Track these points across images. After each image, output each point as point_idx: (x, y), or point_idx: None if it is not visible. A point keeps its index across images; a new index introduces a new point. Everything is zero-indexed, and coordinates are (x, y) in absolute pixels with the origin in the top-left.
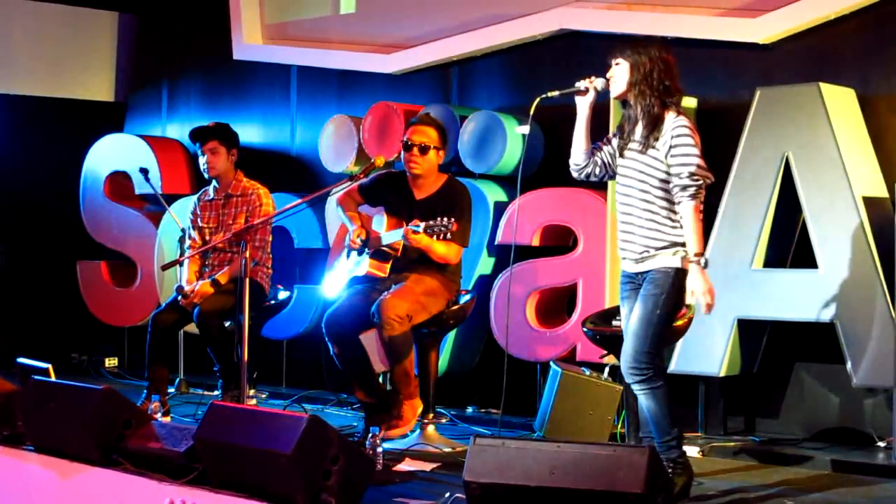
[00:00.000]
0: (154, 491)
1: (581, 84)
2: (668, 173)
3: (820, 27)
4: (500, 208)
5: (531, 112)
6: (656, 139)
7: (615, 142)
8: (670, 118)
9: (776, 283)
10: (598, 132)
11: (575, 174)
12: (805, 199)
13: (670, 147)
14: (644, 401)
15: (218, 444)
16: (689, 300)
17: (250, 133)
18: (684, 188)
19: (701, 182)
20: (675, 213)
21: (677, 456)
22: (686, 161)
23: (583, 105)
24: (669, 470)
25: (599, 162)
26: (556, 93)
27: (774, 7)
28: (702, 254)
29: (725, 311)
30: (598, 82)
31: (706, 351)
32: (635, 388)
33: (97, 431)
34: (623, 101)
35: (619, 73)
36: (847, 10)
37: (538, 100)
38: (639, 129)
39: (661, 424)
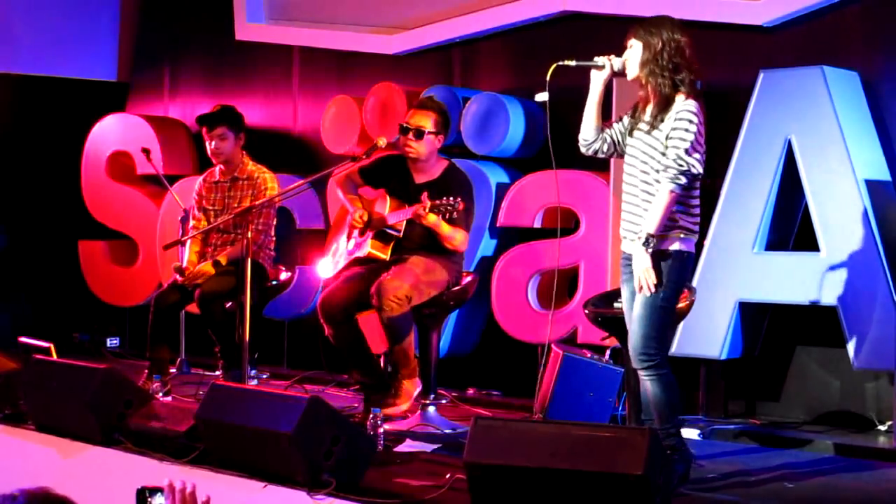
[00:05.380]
0: (155, 470)
1: (600, 59)
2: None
3: (824, 10)
4: (501, 190)
5: (548, 78)
6: (662, 120)
7: (626, 121)
8: (679, 100)
9: (778, 266)
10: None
11: (583, 149)
12: (808, 182)
13: (673, 128)
14: (650, 387)
15: (219, 424)
16: (635, 281)
17: (252, 113)
18: (665, 169)
19: (685, 168)
20: None
21: (676, 443)
22: (677, 144)
23: (597, 80)
24: None
25: (609, 139)
26: (572, 62)
27: None
28: (652, 236)
29: (727, 293)
30: (616, 61)
31: (707, 334)
32: (643, 373)
33: (98, 410)
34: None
35: (633, 55)
36: None
37: (554, 66)
38: (649, 110)
39: (663, 412)
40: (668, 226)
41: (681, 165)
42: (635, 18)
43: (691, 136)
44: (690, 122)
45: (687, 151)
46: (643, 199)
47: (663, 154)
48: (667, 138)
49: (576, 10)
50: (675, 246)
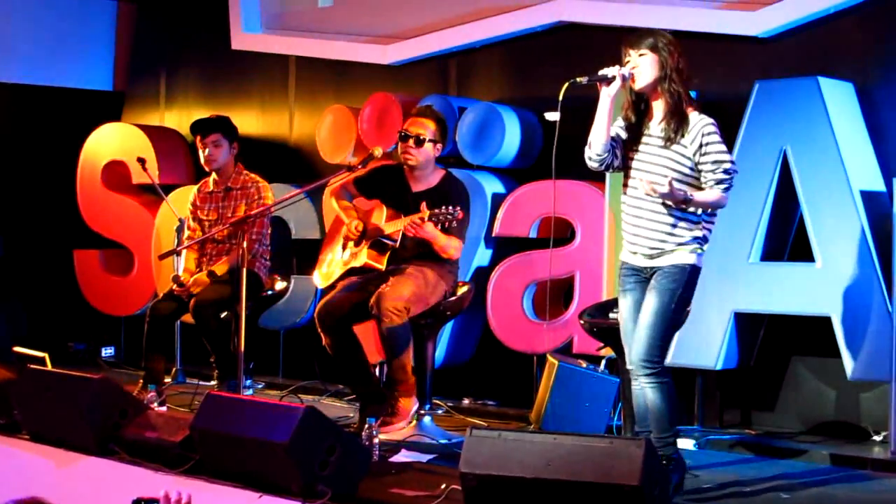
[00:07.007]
0: (150, 480)
1: (609, 71)
2: (692, 169)
3: (818, 21)
4: (497, 200)
5: (560, 98)
6: (682, 135)
7: (622, 133)
8: (694, 116)
9: (773, 277)
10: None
11: (594, 165)
12: (803, 192)
13: (701, 145)
14: (650, 394)
15: (214, 434)
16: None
17: (248, 123)
18: (720, 181)
19: (732, 178)
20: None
21: (672, 453)
22: (721, 158)
23: (606, 94)
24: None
25: (617, 153)
26: (584, 79)
27: (773, 1)
28: (688, 202)
29: (723, 304)
30: (625, 71)
31: (703, 344)
32: (645, 380)
33: (94, 420)
34: (638, 93)
35: (645, 65)
36: (846, 3)
37: (567, 84)
38: (656, 123)
39: (661, 421)
40: (687, 238)
41: (731, 175)
42: (630, 29)
43: (726, 147)
44: (720, 135)
45: (732, 162)
46: (666, 213)
47: (692, 168)
48: (697, 153)
49: (571, 20)
50: (692, 261)
